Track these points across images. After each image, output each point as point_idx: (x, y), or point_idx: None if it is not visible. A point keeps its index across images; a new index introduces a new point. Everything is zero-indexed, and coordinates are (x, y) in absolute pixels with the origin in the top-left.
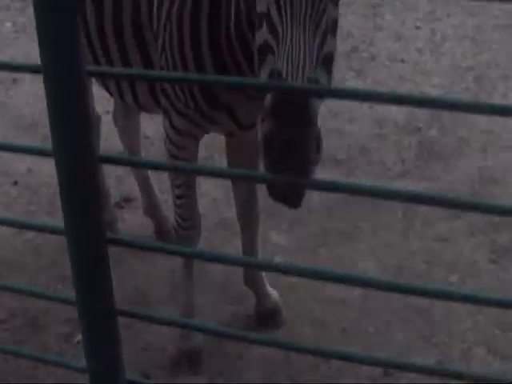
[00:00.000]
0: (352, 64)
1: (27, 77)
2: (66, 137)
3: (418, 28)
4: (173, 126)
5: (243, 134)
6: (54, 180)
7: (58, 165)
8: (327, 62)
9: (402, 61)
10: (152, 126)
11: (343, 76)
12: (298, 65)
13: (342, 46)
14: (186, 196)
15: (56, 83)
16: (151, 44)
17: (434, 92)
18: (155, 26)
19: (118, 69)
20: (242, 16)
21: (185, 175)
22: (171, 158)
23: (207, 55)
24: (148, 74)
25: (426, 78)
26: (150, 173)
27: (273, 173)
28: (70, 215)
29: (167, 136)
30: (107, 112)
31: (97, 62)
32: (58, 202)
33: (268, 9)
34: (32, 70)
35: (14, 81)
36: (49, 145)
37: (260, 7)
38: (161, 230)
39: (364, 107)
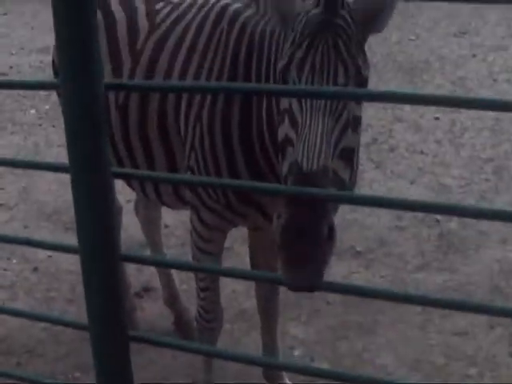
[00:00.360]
0: (371, 155)
1: (49, 161)
2: (91, 236)
3: (437, 119)
4: (201, 220)
5: (271, 227)
6: (75, 267)
7: (82, 261)
8: (346, 155)
9: (422, 152)
10: (172, 215)
11: (363, 167)
12: (314, 151)
13: (361, 137)
14: (209, 289)
15: (82, 183)
16: (177, 145)
17: (453, 183)
18: (183, 128)
19: (144, 172)
20: (274, 118)
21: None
22: (197, 251)
23: (239, 155)
24: (175, 178)
25: (446, 170)
26: None
27: (288, 263)
28: (93, 313)
29: (194, 229)
30: (128, 201)
31: (120, 162)
32: (79, 289)
33: (290, 104)
34: (59, 169)
35: None
36: (70, 233)
37: (283, 104)
38: (180, 321)
39: None
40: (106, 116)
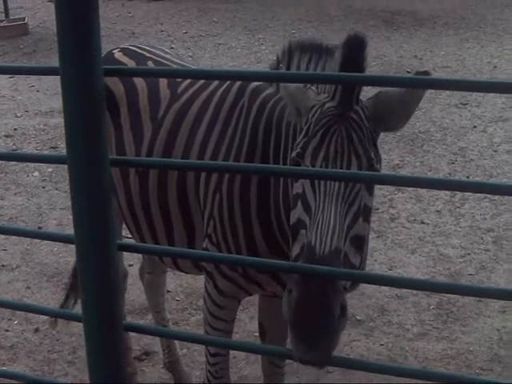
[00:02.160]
0: (372, 225)
1: (52, 223)
2: (96, 306)
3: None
4: (216, 287)
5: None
6: (77, 329)
7: (86, 329)
8: (357, 243)
9: (422, 222)
10: (174, 280)
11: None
12: (327, 234)
13: None
14: (219, 355)
15: (88, 255)
16: (196, 214)
17: (453, 253)
18: (202, 197)
19: (149, 245)
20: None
21: (221, 334)
22: (210, 317)
23: (257, 229)
24: (178, 252)
25: (446, 240)
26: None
27: (300, 340)
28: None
29: (209, 295)
30: (129, 265)
31: (139, 229)
32: (80, 351)
33: (303, 189)
34: (65, 240)
35: (39, 227)
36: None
37: (296, 189)
38: None
39: (383, 268)
40: (112, 191)
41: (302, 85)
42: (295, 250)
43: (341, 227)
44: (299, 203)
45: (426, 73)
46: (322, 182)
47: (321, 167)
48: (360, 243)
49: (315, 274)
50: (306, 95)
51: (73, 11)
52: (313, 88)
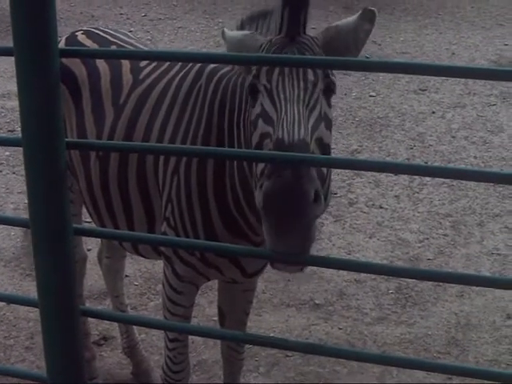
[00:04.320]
0: (330, 209)
1: (9, 207)
2: (52, 291)
3: (396, 175)
4: (175, 273)
5: (246, 280)
6: (33, 314)
7: (42, 314)
8: (322, 148)
9: (380, 207)
10: (132, 265)
11: (322, 221)
12: (293, 126)
13: None
14: (179, 340)
15: (43, 239)
16: (155, 197)
17: (411, 238)
18: (161, 179)
19: (105, 229)
20: (246, 174)
21: (179, 320)
22: (169, 302)
23: (214, 208)
24: (135, 237)
25: (404, 224)
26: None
27: (275, 229)
28: (52, 368)
29: (167, 281)
30: (88, 250)
31: (99, 213)
32: (37, 337)
33: (262, 107)
34: (21, 224)
35: None
36: (29, 279)
37: (253, 114)
38: (139, 370)
39: (341, 252)
40: (67, 174)
41: (248, 32)
42: (260, 166)
43: (305, 124)
44: (259, 121)
45: (372, 12)
46: (281, 90)
47: (277, 81)
48: (325, 149)
49: (287, 161)
50: (254, 38)
51: None
52: (258, 33)
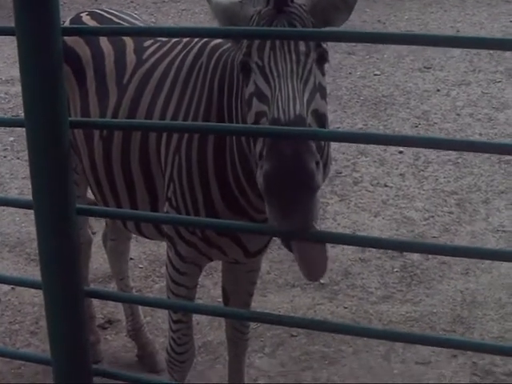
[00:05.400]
0: (335, 188)
1: (14, 192)
2: (54, 272)
3: (400, 153)
4: (178, 254)
5: (248, 261)
6: (38, 299)
7: (46, 297)
8: (319, 119)
9: (385, 185)
10: (136, 247)
11: (327, 200)
12: (289, 103)
13: None
14: (182, 322)
15: (46, 219)
16: (158, 177)
17: (417, 216)
18: (163, 159)
19: (109, 209)
20: (245, 151)
21: (184, 300)
22: (172, 283)
23: (214, 187)
24: (140, 216)
25: (409, 203)
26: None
27: (280, 206)
28: (56, 349)
29: (170, 262)
30: (93, 233)
31: (102, 193)
32: (42, 322)
33: (255, 85)
34: (24, 205)
35: None
36: (34, 264)
37: (247, 92)
38: (144, 353)
39: (347, 231)
40: (70, 153)
41: (236, 0)
42: (258, 146)
43: (301, 99)
44: (254, 100)
45: None
46: (274, 66)
47: (269, 57)
48: (322, 120)
49: (284, 136)
50: (243, 9)
51: None
52: (248, 2)
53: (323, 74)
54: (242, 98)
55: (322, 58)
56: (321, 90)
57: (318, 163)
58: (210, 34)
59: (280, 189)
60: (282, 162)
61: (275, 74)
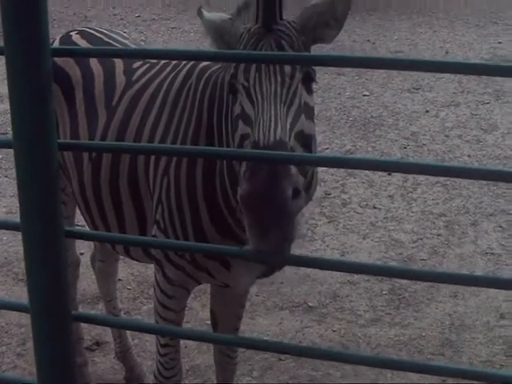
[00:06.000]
0: (324, 210)
1: (1, 211)
2: (42, 296)
3: (389, 174)
4: (166, 277)
5: (236, 283)
6: (25, 320)
7: (33, 319)
8: (304, 140)
9: (374, 207)
10: (125, 269)
11: (315, 222)
12: (269, 127)
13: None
14: (170, 345)
15: (34, 241)
16: (147, 199)
17: (405, 238)
18: (151, 181)
19: (97, 232)
20: (235, 172)
21: (172, 324)
22: (160, 306)
23: (204, 209)
24: (128, 239)
25: (398, 225)
26: (123, 315)
27: (256, 229)
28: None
29: (158, 285)
30: (81, 254)
31: (91, 216)
32: (29, 343)
33: (241, 106)
34: (12, 227)
35: None
36: (22, 284)
37: (235, 113)
38: (132, 375)
39: (335, 253)
40: (59, 175)
41: (227, 17)
42: (243, 167)
43: (283, 122)
44: (240, 122)
45: None
46: (258, 89)
47: (254, 78)
48: (307, 141)
49: (262, 160)
50: (234, 26)
51: None
52: (238, 20)
53: (310, 94)
54: (231, 119)
55: (309, 78)
56: (307, 110)
57: (296, 187)
58: (199, 57)
59: (256, 211)
60: (257, 186)
61: (259, 96)
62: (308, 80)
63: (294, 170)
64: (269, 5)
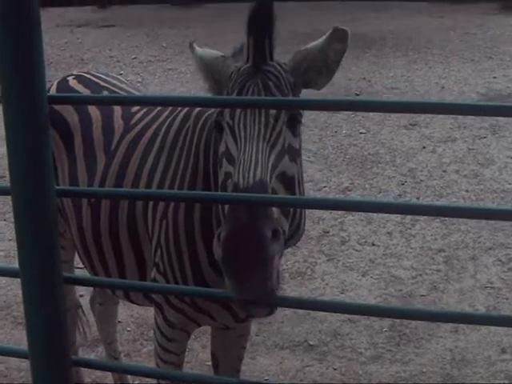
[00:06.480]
0: (323, 248)
1: (0, 255)
2: (42, 340)
3: None
4: (166, 320)
5: (238, 326)
6: (25, 364)
7: (32, 365)
8: (287, 182)
9: (373, 244)
10: (125, 311)
11: (314, 260)
12: (249, 168)
13: (312, 230)
14: None
15: (33, 288)
16: (146, 243)
17: (404, 274)
18: (150, 224)
19: (96, 278)
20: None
21: (173, 367)
22: (160, 349)
23: (202, 251)
24: (126, 285)
25: (397, 261)
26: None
27: (234, 275)
28: None
29: (158, 328)
30: (81, 296)
31: (90, 260)
32: None
33: (226, 144)
34: (11, 274)
35: None
36: (21, 328)
37: (220, 150)
38: None
39: (335, 291)
40: (57, 220)
41: (219, 55)
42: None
43: (264, 163)
44: (224, 160)
45: (343, 31)
46: (242, 128)
47: (239, 117)
48: (289, 182)
49: (241, 202)
50: (225, 64)
51: (14, 37)
52: (230, 58)
53: (295, 136)
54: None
55: (294, 120)
56: (290, 152)
57: (276, 230)
58: (198, 103)
59: (233, 257)
60: (235, 230)
61: (243, 136)
62: (293, 122)
63: (275, 211)
64: (259, 45)
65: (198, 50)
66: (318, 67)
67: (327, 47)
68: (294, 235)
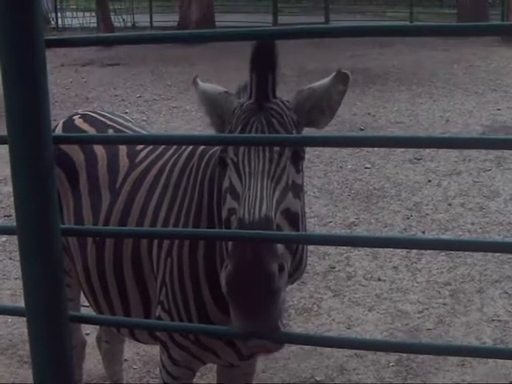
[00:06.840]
0: (329, 284)
1: (6, 293)
2: (48, 379)
3: None
4: (171, 357)
5: (243, 364)
6: None
7: None
8: (291, 217)
9: (379, 279)
10: (131, 349)
11: (320, 296)
12: (255, 204)
13: (318, 265)
14: None
15: (38, 326)
16: (150, 280)
17: (411, 309)
18: (155, 262)
19: (102, 316)
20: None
21: None
22: None
23: (206, 289)
24: (131, 322)
25: (403, 296)
26: None
27: (240, 311)
28: None
29: (163, 366)
30: (86, 334)
31: (95, 298)
32: None
33: (230, 180)
34: (17, 313)
35: None
36: (27, 367)
37: (224, 185)
38: None
39: (341, 327)
40: (63, 260)
41: (222, 90)
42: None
43: (269, 199)
44: (228, 196)
45: (345, 74)
46: (247, 164)
47: (243, 153)
48: (293, 218)
49: (247, 239)
50: (228, 100)
51: (19, 77)
52: (233, 94)
53: (298, 172)
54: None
55: (297, 156)
56: (294, 188)
57: (281, 265)
58: (203, 141)
59: (239, 291)
60: (241, 264)
61: (247, 172)
62: (296, 158)
63: (280, 247)
64: (262, 82)
65: (201, 84)
66: (322, 106)
67: (332, 88)
68: (297, 270)
